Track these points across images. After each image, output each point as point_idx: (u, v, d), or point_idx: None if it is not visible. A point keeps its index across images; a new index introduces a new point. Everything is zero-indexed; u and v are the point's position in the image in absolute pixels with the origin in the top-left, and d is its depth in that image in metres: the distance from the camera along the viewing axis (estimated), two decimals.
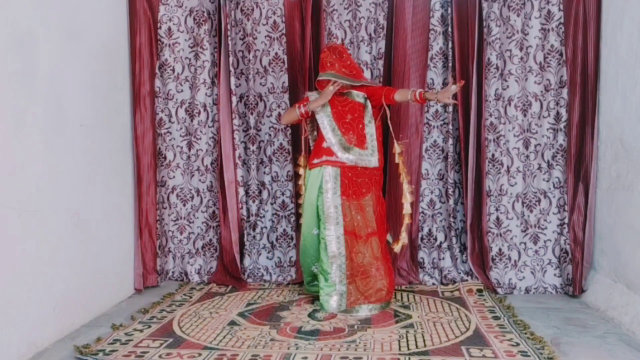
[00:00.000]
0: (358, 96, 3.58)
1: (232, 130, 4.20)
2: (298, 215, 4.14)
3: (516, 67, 4.00)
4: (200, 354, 2.74)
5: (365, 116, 3.57)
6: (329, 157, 3.52)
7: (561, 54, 3.92)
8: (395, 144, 3.57)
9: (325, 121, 3.55)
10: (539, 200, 4.02)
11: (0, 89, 2.57)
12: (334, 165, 3.50)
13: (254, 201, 4.38)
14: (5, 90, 2.60)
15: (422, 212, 4.22)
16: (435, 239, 4.22)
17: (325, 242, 3.46)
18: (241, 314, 3.42)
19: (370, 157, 3.53)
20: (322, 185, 3.51)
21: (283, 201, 4.33)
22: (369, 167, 3.54)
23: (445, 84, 4.12)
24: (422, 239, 4.23)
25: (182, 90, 4.29)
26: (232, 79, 4.18)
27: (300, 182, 3.83)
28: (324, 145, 3.55)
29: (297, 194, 4.11)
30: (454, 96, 4.05)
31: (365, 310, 3.44)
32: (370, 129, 3.56)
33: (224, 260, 4.21)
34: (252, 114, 4.32)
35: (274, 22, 4.23)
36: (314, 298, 3.67)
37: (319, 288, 3.54)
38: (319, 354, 2.73)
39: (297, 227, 4.17)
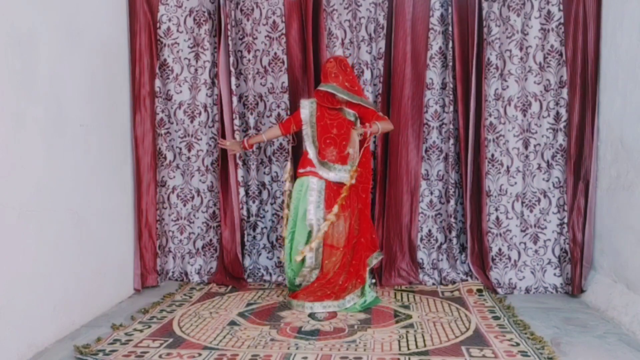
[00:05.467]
0: (349, 114, 3.58)
1: (232, 131, 4.20)
2: None
3: (516, 67, 4.00)
4: (200, 354, 2.74)
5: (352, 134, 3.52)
6: (312, 168, 3.55)
7: (561, 54, 3.92)
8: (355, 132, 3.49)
9: (309, 133, 3.59)
10: (539, 200, 4.02)
11: (0, 89, 2.57)
12: (320, 178, 3.53)
13: (254, 201, 4.38)
14: (5, 91, 2.60)
15: (422, 213, 4.22)
16: (435, 240, 4.22)
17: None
18: (241, 314, 3.42)
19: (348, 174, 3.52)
20: (307, 196, 3.50)
21: (283, 201, 4.32)
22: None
23: (444, 83, 4.13)
24: (421, 239, 4.22)
25: (181, 91, 4.28)
26: (232, 79, 4.18)
27: (286, 188, 3.75)
28: (309, 156, 3.57)
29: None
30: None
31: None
32: (354, 147, 3.49)
33: (224, 261, 4.20)
34: (251, 114, 4.32)
35: (274, 22, 4.23)
36: None
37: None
38: (319, 354, 2.73)
39: None
